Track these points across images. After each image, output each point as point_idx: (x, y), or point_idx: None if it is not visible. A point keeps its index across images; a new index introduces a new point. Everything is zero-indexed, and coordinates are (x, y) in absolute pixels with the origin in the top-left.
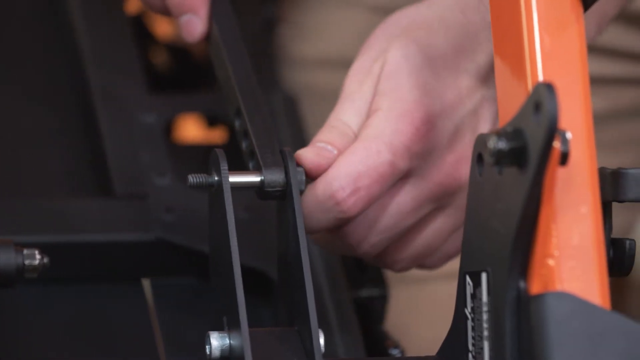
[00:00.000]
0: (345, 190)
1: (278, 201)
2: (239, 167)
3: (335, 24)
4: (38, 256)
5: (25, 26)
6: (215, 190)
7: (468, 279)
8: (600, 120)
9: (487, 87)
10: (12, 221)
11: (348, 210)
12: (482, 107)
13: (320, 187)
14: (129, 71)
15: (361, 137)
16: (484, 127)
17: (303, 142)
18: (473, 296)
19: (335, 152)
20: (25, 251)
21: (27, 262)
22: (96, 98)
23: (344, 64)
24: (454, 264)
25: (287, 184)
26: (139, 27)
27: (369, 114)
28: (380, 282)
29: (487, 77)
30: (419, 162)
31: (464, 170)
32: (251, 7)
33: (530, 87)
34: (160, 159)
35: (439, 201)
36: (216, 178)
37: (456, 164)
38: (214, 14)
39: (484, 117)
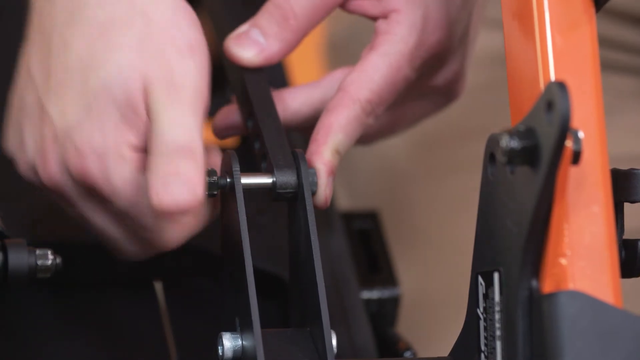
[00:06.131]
0: (371, 104)
1: (290, 202)
2: (249, 170)
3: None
4: (51, 256)
5: None
6: (227, 192)
7: (480, 279)
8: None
9: None
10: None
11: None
12: (475, 12)
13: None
14: None
15: (382, 49)
16: (474, 34)
17: None
18: (485, 296)
19: (264, 42)
20: (38, 251)
21: (39, 262)
22: None
23: None
24: (466, 267)
25: (299, 185)
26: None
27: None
28: (392, 284)
29: None
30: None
31: (464, 76)
32: (260, 6)
33: (542, 86)
34: None
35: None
36: (228, 180)
37: (459, 71)
38: (228, 18)
39: (475, 22)
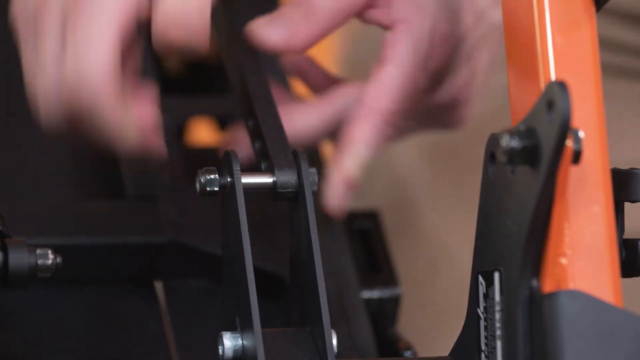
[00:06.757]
0: (392, 114)
1: (290, 202)
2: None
3: None
4: (51, 256)
5: None
6: (228, 192)
7: (480, 278)
8: None
9: (493, 13)
10: (24, 223)
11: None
12: (490, 34)
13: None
14: (142, 74)
15: (395, 60)
16: (486, 56)
17: None
18: (485, 296)
19: (290, 30)
20: (38, 251)
21: (40, 261)
22: None
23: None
24: (466, 267)
25: (300, 185)
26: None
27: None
28: (393, 283)
29: (495, 2)
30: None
31: (468, 104)
32: (261, 8)
33: (542, 85)
34: (173, 161)
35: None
36: (228, 179)
37: (461, 93)
38: (227, 16)
39: (489, 42)
